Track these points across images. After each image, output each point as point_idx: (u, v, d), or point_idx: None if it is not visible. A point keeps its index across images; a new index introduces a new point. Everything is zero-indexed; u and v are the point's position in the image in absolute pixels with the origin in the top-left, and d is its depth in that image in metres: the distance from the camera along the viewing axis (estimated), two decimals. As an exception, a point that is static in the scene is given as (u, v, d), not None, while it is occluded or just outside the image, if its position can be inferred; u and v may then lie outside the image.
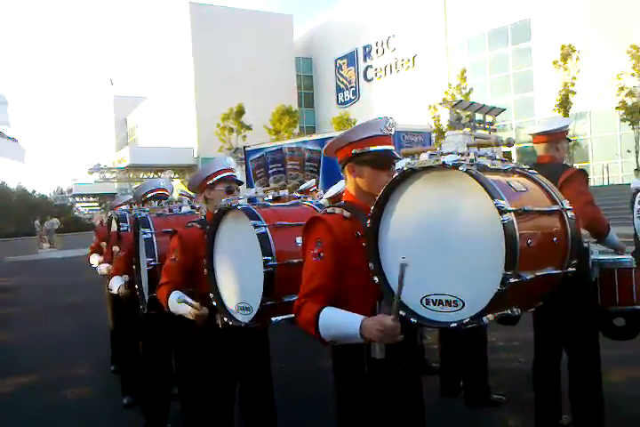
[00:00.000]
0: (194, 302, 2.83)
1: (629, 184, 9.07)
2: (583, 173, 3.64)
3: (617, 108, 26.36)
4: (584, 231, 3.45)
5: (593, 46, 28.47)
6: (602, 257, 3.62)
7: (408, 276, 1.78)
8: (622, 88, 25.83)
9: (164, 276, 3.13)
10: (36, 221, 32.27)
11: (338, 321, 2.02)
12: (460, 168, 1.83)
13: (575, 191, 3.36)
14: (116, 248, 4.80)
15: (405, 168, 1.97)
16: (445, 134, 25.85)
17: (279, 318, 2.63)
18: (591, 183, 4.63)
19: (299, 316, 2.13)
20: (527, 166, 2.22)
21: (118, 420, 4.68)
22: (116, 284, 4.29)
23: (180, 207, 3.90)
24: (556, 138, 3.76)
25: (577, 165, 4.52)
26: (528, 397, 3.94)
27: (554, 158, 3.76)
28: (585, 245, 3.45)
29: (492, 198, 1.74)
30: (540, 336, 3.83)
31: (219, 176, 3.16)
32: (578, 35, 29.12)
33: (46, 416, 4.88)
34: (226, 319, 2.78)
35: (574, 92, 27.51)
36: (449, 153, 1.95)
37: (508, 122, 33.92)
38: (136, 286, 3.87)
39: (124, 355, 5.21)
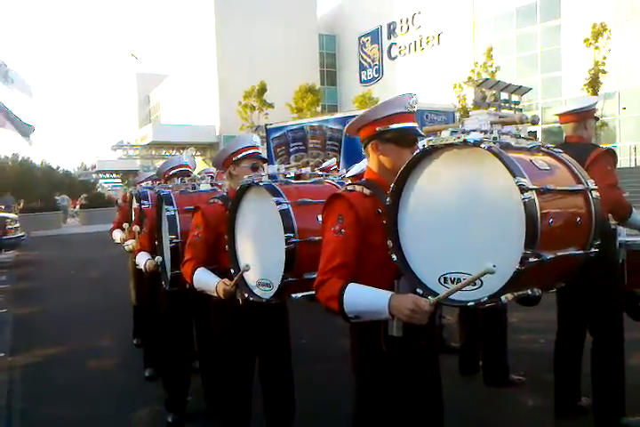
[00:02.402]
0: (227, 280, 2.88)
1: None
2: (611, 154, 3.57)
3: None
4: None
5: (624, 24, 27.69)
6: (629, 239, 3.59)
7: (426, 253, 1.76)
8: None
9: (188, 252, 3.15)
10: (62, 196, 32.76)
11: (364, 296, 2.02)
12: (482, 146, 1.81)
13: (600, 172, 3.31)
14: (136, 227, 4.87)
15: (426, 145, 1.96)
16: (470, 114, 25.49)
17: (299, 294, 2.65)
18: (618, 165, 4.56)
19: (320, 291, 2.13)
20: (553, 145, 2.19)
21: (140, 392, 4.78)
22: (143, 259, 4.35)
23: (200, 184, 3.91)
24: (584, 117, 3.69)
25: (604, 146, 4.43)
26: (548, 378, 3.95)
27: (581, 138, 3.69)
28: (612, 226, 3.41)
29: (514, 176, 1.71)
30: (563, 317, 3.82)
31: (244, 153, 3.16)
32: (609, 12, 28.32)
33: (71, 387, 5.00)
34: (246, 295, 2.81)
35: (605, 72, 26.87)
36: (472, 131, 1.93)
37: (534, 102, 33.30)
38: (158, 262, 3.91)
39: (146, 329, 5.31)
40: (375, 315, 2.00)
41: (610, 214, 3.41)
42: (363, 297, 2.02)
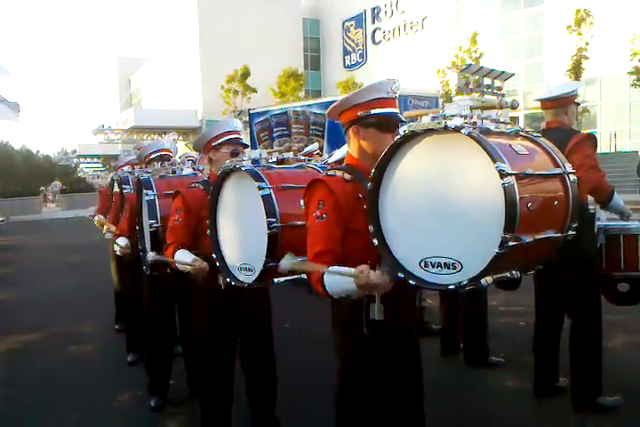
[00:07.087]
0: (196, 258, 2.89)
1: (638, 151, 8.96)
2: (591, 139, 3.60)
3: (629, 73, 25.79)
4: (590, 198, 3.45)
5: (606, 10, 27.75)
6: (608, 223, 3.63)
7: (407, 238, 1.77)
8: (635, 53, 25.22)
9: (169, 236, 3.15)
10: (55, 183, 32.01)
11: (339, 277, 2.03)
12: (462, 131, 1.82)
13: (581, 156, 3.36)
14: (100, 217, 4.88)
15: (407, 131, 1.96)
16: (453, 99, 25.51)
17: (282, 279, 2.65)
18: (598, 150, 4.59)
19: (310, 277, 2.15)
20: (532, 129, 2.20)
21: (122, 377, 4.78)
22: (122, 243, 4.34)
23: (182, 169, 3.89)
24: (565, 103, 3.72)
25: (585, 132, 4.48)
26: (527, 360, 4.01)
27: (562, 123, 3.72)
28: (591, 211, 3.46)
29: (494, 161, 1.73)
30: (541, 300, 3.88)
31: (224, 138, 3.14)
32: (591, -1, 28.34)
33: (51, 374, 4.97)
34: (228, 280, 2.81)
35: (587, 58, 26.96)
36: (452, 116, 1.94)
37: (517, 87, 33.39)
38: (139, 247, 3.90)
39: (128, 314, 5.30)
40: (352, 293, 1.98)
41: (591, 198, 3.46)
42: (338, 278, 2.03)
